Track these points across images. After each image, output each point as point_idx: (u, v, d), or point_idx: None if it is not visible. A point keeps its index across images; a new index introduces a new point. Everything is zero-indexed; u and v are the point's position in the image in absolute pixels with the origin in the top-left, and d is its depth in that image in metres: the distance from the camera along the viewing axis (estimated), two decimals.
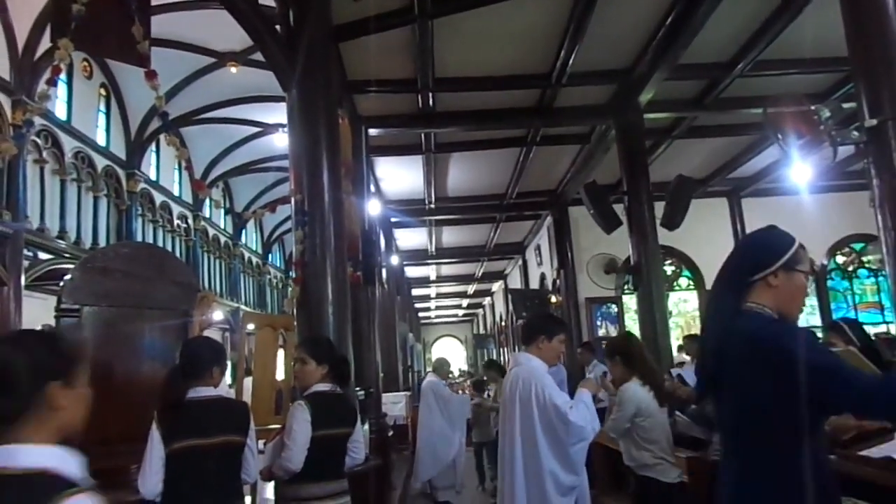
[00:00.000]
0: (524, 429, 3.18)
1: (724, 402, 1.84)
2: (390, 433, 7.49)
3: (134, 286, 3.43)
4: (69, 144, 11.41)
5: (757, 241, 1.92)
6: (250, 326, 6.44)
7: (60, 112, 11.33)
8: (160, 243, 13.93)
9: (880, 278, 11.77)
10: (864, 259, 12.16)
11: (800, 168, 6.94)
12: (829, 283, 12.11)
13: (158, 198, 14.87)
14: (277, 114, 11.81)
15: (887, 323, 11.34)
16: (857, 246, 12.06)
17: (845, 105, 3.82)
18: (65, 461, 1.14)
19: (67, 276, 3.43)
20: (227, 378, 6.42)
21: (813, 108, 3.35)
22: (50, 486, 1.07)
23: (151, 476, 2.40)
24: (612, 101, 7.53)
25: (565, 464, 3.11)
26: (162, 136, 12.52)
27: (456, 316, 31.46)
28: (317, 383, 2.97)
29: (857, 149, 7.64)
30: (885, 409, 1.60)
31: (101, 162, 12.45)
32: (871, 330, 11.45)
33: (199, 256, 16.67)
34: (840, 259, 12.26)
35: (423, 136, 8.40)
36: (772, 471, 1.68)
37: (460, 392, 9.79)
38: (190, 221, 16.32)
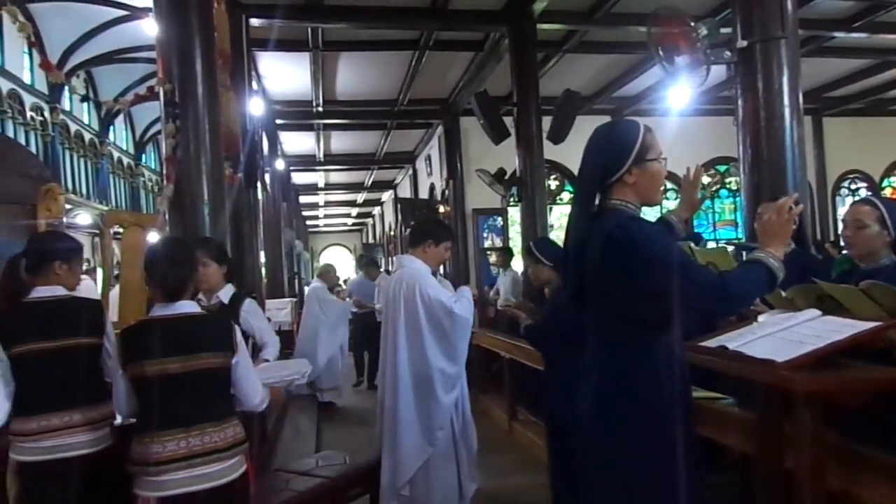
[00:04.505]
0: (409, 329, 3.26)
1: (588, 304, 1.88)
2: None
3: None
4: None
5: (603, 144, 1.87)
6: (118, 229, 5.97)
7: None
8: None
9: (737, 198, 12.91)
10: (727, 180, 13.26)
11: (677, 90, 7.31)
12: None
13: (5, 85, 13.09)
14: None
15: (738, 238, 12.56)
16: (721, 168, 13.09)
17: (724, 30, 4.00)
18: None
19: None
20: (97, 284, 5.99)
21: (693, 24, 3.47)
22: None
23: None
24: (506, 7, 7.39)
25: (451, 357, 3.26)
26: (4, 13, 10.82)
27: (345, 225, 31.14)
28: (226, 284, 3.03)
29: (728, 74, 8.09)
30: (722, 302, 1.70)
31: None
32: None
33: (59, 154, 15.05)
34: (705, 179, 13.28)
35: (310, 30, 7.87)
36: (629, 366, 1.75)
37: (347, 300, 9.87)
38: (46, 114, 14.58)
